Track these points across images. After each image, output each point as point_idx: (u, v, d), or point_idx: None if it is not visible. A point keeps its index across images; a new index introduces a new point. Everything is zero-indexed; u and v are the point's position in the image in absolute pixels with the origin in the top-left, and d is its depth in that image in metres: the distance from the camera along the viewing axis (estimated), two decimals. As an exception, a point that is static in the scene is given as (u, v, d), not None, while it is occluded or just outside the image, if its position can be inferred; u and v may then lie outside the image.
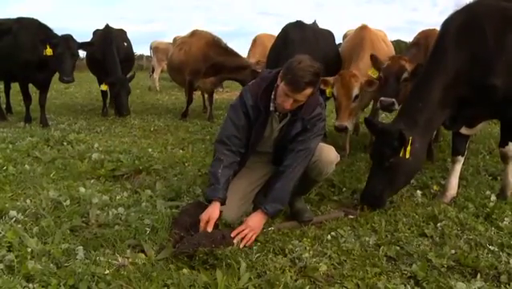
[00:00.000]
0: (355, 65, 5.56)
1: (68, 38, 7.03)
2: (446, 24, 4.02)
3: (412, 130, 3.74)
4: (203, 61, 8.10)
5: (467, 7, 4.01)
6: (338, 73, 5.35)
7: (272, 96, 3.26)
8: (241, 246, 2.97)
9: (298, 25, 5.89)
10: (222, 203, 3.21)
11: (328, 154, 3.43)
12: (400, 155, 3.70)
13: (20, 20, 7.52)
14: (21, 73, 7.32)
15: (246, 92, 3.38)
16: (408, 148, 3.67)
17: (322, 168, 3.41)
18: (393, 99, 4.91)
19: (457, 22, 3.94)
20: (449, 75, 3.80)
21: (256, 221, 3.14)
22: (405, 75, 5.02)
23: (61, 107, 8.04)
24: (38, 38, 6.96)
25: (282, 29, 5.92)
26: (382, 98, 5.03)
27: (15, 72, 7.40)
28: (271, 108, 3.29)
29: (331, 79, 5.19)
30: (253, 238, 3.08)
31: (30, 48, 7.03)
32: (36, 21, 7.46)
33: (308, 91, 3.07)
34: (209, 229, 3.05)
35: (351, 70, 5.40)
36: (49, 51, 6.80)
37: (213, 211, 3.13)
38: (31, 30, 7.24)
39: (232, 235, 2.99)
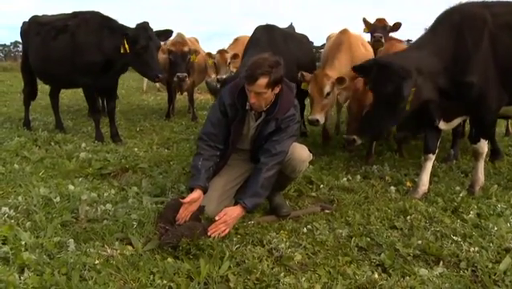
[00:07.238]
0: (330, 63, 5.84)
1: (147, 28, 5.85)
2: (440, 19, 4.32)
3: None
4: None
5: (456, 8, 4.30)
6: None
7: None
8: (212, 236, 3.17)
9: (267, 27, 6.06)
10: (204, 191, 3.43)
11: (301, 153, 3.61)
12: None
13: (78, 14, 6.51)
14: (81, 78, 6.24)
15: (225, 92, 3.60)
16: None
17: (295, 166, 3.60)
18: None
19: (448, 20, 4.24)
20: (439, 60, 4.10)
21: (233, 213, 3.31)
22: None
23: (47, 108, 8.03)
24: (102, 34, 6.07)
25: (253, 31, 6.06)
26: None
27: (74, 78, 6.34)
28: (247, 107, 3.49)
29: (308, 76, 5.57)
30: (226, 231, 3.25)
31: (93, 47, 6.06)
32: (98, 14, 6.40)
33: (262, 81, 3.22)
34: (192, 210, 3.31)
35: (325, 69, 5.73)
36: (127, 48, 5.77)
37: (195, 195, 3.36)
38: (93, 25, 6.21)
39: (209, 232, 3.18)
